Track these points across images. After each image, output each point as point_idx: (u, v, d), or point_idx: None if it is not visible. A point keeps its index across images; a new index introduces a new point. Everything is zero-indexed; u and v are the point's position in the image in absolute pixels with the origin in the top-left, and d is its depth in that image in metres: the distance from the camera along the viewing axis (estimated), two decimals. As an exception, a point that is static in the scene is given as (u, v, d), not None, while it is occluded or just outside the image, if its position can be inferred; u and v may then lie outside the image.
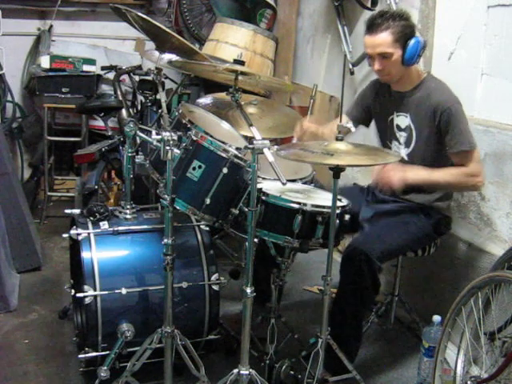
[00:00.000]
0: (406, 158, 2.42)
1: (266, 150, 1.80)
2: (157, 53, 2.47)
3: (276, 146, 2.14)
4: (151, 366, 2.15)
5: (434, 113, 2.28)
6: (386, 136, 2.52)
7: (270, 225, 2.08)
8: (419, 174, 2.30)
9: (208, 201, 2.05)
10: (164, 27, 2.17)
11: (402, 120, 2.43)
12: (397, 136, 2.46)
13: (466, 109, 2.40)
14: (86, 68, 4.29)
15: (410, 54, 2.24)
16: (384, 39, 2.22)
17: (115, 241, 2.29)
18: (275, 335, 2.27)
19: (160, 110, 2.71)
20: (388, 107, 2.48)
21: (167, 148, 1.85)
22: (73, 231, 2.25)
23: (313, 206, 2.06)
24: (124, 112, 3.86)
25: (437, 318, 2.30)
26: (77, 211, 2.39)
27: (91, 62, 4.32)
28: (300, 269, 3.44)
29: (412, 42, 2.23)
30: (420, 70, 2.44)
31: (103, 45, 4.78)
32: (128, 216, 2.39)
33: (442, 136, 2.29)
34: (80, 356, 2.17)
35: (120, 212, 2.41)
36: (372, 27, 2.25)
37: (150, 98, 3.42)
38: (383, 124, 2.52)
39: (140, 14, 2.16)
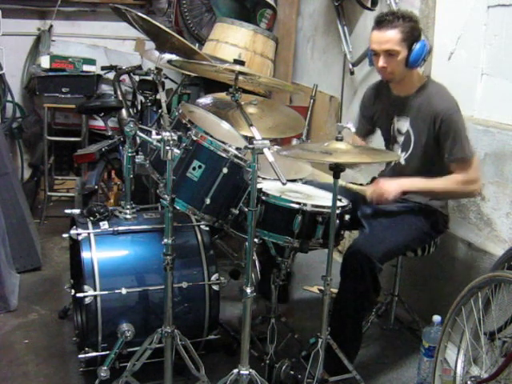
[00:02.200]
0: (403, 162, 2.42)
1: (266, 150, 1.80)
2: (157, 53, 2.47)
3: (276, 146, 2.14)
4: (151, 366, 2.15)
5: (434, 119, 2.27)
6: (389, 140, 2.52)
7: (270, 225, 2.08)
8: (415, 184, 2.30)
9: (208, 201, 2.05)
10: (164, 27, 2.17)
11: (402, 124, 2.42)
12: (397, 140, 2.47)
13: (466, 109, 2.40)
14: (86, 68, 4.29)
15: (416, 56, 2.23)
16: (393, 36, 2.21)
17: (115, 241, 2.29)
18: (275, 335, 2.27)
19: (160, 110, 2.71)
20: (389, 111, 2.48)
21: (167, 148, 1.85)
22: (73, 231, 2.25)
23: (313, 206, 2.06)
24: (124, 112, 3.86)
25: (437, 318, 2.30)
26: (77, 211, 2.39)
27: (91, 61, 4.32)
28: (300, 269, 3.44)
29: (418, 44, 2.23)
30: (421, 74, 2.43)
31: (103, 45, 4.78)
32: (128, 216, 2.39)
33: (441, 143, 2.29)
34: (80, 356, 2.17)
35: (120, 212, 2.41)
36: (382, 23, 2.23)
37: (150, 98, 3.42)
38: (385, 128, 2.52)
39: (140, 14, 2.17)
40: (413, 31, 2.23)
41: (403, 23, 2.21)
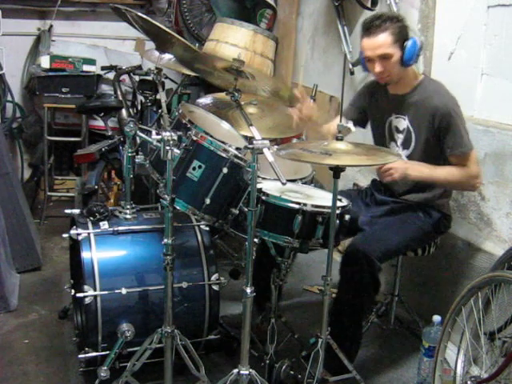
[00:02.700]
0: (405, 159, 2.42)
1: (265, 150, 1.80)
2: (157, 53, 2.47)
3: (276, 146, 2.14)
4: (151, 366, 2.15)
5: (433, 116, 2.28)
6: (384, 138, 2.51)
7: (270, 225, 2.08)
8: (421, 172, 2.30)
9: (208, 201, 2.05)
10: (164, 27, 2.17)
11: (400, 122, 2.43)
12: (395, 138, 2.47)
13: (466, 109, 2.40)
14: (86, 68, 4.29)
15: (409, 54, 2.24)
16: (384, 40, 2.22)
17: (115, 241, 2.29)
18: (275, 335, 2.27)
19: (160, 110, 2.71)
20: (385, 110, 2.48)
21: (167, 148, 1.85)
22: (73, 231, 2.25)
23: (313, 206, 2.06)
24: (124, 112, 3.86)
25: (437, 318, 2.30)
26: (77, 211, 2.39)
27: (91, 61, 4.32)
28: (300, 269, 3.44)
29: (410, 42, 2.24)
30: (416, 72, 2.44)
31: (103, 45, 4.78)
32: (128, 216, 2.39)
33: (441, 139, 2.30)
34: (80, 356, 2.17)
35: (120, 212, 2.41)
36: (370, 29, 2.24)
37: (150, 97, 3.42)
38: (380, 126, 2.52)
39: (140, 13, 2.16)
40: (402, 30, 2.25)
41: (391, 24, 2.22)
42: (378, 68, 2.28)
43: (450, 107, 2.27)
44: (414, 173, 2.27)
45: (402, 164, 2.27)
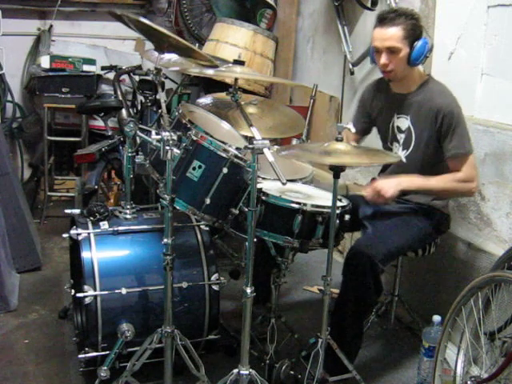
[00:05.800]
0: (404, 160, 2.42)
1: (266, 150, 1.80)
2: (156, 53, 2.47)
3: (276, 146, 2.14)
4: (151, 366, 2.15)
5: (435, 116, 2.28)
6: (388, 138, 2.52)
7: (270, 225, 2.08)
8: (413, 182, 2.30)
9: (208, 201, 2.05)
10: (162, 29, 2.16)
11: (402, 122, 2.43)
12: (397, 138, 2.47)
13: (466, 109, 2.40)
14: (86, 68, 4.30)
15: (417, 53, 2.24)
16: (395, 33, 2.23)
17: (115, 241, 2.29)
18: (275, 335, 2.27)
19: (160, 110, 2.70)
20: (388, 109, 2.48)
21: (167, 148, 1.85)
22: (73, 231, 2.25)
23: (313, 206, 2.06)
24: (124, 112, 3.85)
25: (437, 318, 2.30)
26: (77, 211, 2.39)
27: (91, 61, 4.33)
28: (300, 269, 3.45)
29: (420, 42, 2.25)
30: (422, 72, 2.44)
31: (103, 45, 4.78)
32: (128, 216, 2.39)
33: (441, 139, 2.30)
34: (80, 356, 2.17)
35: (120, 212, 2.41)
36: (384, 20, 2.25)
37: (150, 97, 3.42)
38: (384, 126, 2.52)
39: (135, 16, 2.15)
40: (414, 29, 2.25)
41: (405, 21, 2.23)
42: (383, 60, 2.28)
43: (454, 108, 2.27)
44: (405, 186, 2.27)
45: (391, 181, 2.27)
